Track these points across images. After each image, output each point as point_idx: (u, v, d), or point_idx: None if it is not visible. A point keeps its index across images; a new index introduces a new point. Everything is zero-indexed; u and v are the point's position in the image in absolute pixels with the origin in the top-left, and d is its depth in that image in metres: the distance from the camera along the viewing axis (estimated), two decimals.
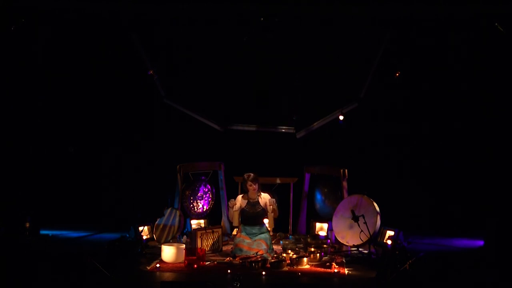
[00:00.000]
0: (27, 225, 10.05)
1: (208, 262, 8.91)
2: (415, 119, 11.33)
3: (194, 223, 10.69)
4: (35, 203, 10.98)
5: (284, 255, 9.09)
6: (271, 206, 9.45)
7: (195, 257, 8.74)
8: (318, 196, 10.95)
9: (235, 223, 9.42)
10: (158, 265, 8.65)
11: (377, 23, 10.82)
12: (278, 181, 10.92)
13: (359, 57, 11.14)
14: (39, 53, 11.09)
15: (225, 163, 10.99)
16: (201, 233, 9.58)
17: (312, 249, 9.28)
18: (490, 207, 10.66)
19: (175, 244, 9.20)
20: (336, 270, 8.50)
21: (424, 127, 11.33)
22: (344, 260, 9.18)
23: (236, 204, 9.47)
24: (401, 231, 9.64)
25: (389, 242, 9.55)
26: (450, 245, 10.31)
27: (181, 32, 11.18)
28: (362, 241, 9.56)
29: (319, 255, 8.98)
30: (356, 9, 10.47)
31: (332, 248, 9.77)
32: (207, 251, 9.43)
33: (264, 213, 9.50)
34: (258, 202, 9.46)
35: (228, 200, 9.83)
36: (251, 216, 9.43)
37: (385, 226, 9.90)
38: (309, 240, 10.12)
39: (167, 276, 8.28)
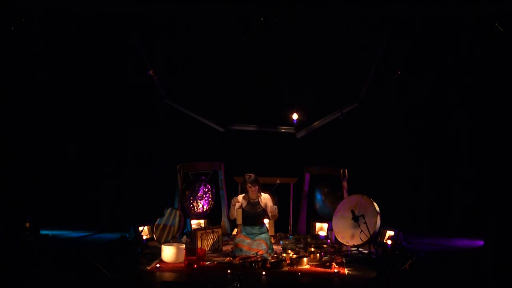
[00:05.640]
0: (27, 225, 10.03)
1: (208, 262, 8.91)
2: (415, 118, 11.33)
3: (194, 223, 10.69)
4: (35, 203, 10.97)
5: (284, 255, 9.09)
6: (271, 213, 9.45)
7: (195, 257, 8.74)
8: (318, 196, 10.96)
9: (239, 220, 9.41)
10: (158, 265, 8.65)
11: (377, 23, 10.83)
12: (278, 181, 10.92)
13: (359, 57, 11.15)
14: (39, 53, 11.09)
15: (225, 163, 10.99)
16: (201, 233, 9.58)
17: (312, 249, 9.28)
18: (490, 207, 10.65)
19: (175, 244, 9.20)
20: (336, 270, 8.50)
21: (424, 126, 11.32)
22: (344, 260, 9.18)
23: (238, 202, 9.46)
24: (401, 231, 9.64)
25: (389, 242, 9.55)
26: (450, 245, 10.31)
27: (181, 32, 11.19)
28: (362, 241, 9.56)
29: (319, 255, 8.98)
30: (357, 8, 10.48)
31: (332, 248, 9.77)
32: (207, 251, 9.43)
33: (264, 213, 9.50)
34: (258, 202, 9.46)
35: (228, 199, 9.83)
36: (251, 216, 9.43)
37: (385, 226, 9.90)
38: (309, 240, 10.12)
39: (167, 276, 8.28)
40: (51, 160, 11.47)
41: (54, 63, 11.29)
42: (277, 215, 9.52)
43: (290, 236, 10.51)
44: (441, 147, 11.33)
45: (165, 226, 10.17)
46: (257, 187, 9.39)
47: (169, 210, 10.26)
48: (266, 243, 9.21)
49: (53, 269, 8.14)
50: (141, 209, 10.86)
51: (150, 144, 11.59)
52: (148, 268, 8.60)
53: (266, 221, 9.73)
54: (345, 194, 10.32)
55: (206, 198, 10.93)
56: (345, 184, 10.39)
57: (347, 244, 9.79)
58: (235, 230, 10.37)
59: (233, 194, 10.18)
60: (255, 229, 9.41)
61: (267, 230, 9.55)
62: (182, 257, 8.85)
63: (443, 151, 11.33)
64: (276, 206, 9.42)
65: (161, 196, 10.58)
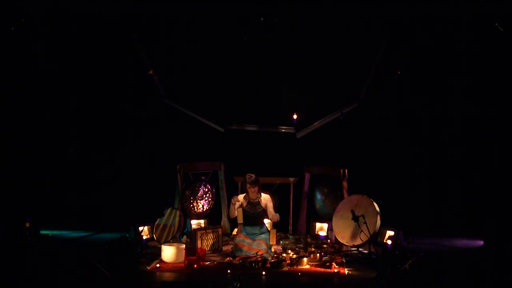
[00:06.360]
0: (27, 225, 10.04)
1: (208, 262, 8.91)
2: (415, 118, 11.33)
3: (194, 223, 10.69)
4: (35, 203, 10.98)
5: (284, 255, 9.09)
6: (272, 219, 9.44)
7: (195, 257, 8.74)
8: (318, 196, 10.96)
9: (239, 220, 9.39)
10: (158, 265, 8.65)
11: (377, 23, 10.84)
12: (278, 181, 10.92)
13: (359, 57, 11.15)
14: (39, 53, 11.10)
15: (225, 163, 10.99)
16: (201, 233, 9.58)
17: (312, 249, 9.28)
18: (490, 207, 10.65)
19: (175, 244, 9.20)
20: (336, 270, 8.50)
21: (424, 126, 11.33)
22: (344, 260, 9.18)
23: (238, 201, 9.45)
24: (401, 231, 9.64)
25: (389, 242, 9.54)
26: (450, 245, 10.31)
27: (181, 32, 11.19)
28: (362, 241, 9.56)
29: (319, 255, 8.98)
30: (357, 8, 10.48)
31: (332, 248, 9.77)
32: (207, 251, 9.43)
33: (264, 213, 9.49)
34: (258, 203, 9.45)
35: (228, 199, 9.82)
36: (252, 216, 9.42)
37: (385, 226, 9.90)
38: (309, 240, 10.12)
39: (167, 276, 8.28)
40: (51, 160, 11.46)
41: (54, 63, 11.29)
42: (276, 219, 9.52)
43: (290, 236, 10.51)
44: (441, 147, 11.33)
45: (165, 226, 10.17)
46: (256, 187, 9.38)
47: (169, 210, 10.26)
48: (266, 243, 9.21)
49: (53, 269, 8.14)
50: (141, 209, 10.86)
51: (150, 144, 11.59)
52: (148, 268, 8.60)
53: (266, 221, 9.73)
54: (345, 194, 10.32)
55: (206, 198, 10.93)
56: (345, 184, 10.39)
57: (347, 244, 9.79)
58: (235, 230, 10.37)
59: (233, 194, 10.17)
60: (255, 229, 9.41)
61: (267, 230, 9.55)
62: (182, 257, 8.85)
63: (443, 151, 11.32)
64: (278, 215, 9.39)
65: (161, 196, 10.58)
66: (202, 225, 10.52)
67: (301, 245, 9.87)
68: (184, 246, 9.05)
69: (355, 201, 9.90)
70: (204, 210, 10.91)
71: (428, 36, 10.89)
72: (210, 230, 9.74)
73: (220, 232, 9.83)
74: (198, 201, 10.85)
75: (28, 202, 10.84)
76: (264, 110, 11.51)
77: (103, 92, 11.48)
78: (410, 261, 7.91)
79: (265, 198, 9.49)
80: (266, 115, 11.56)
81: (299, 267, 8.68)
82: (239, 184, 10.72)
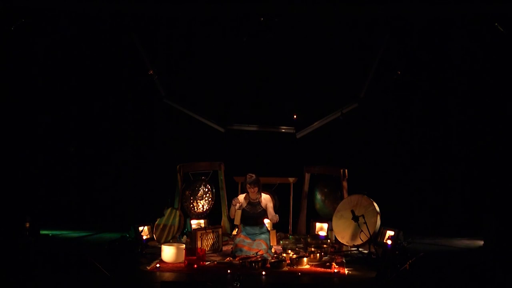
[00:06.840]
0: (27, 225, 10.04)
1: (208, 262, 8.91)
2: (415, 119, 11.34)
3: (194, 223, 10.69)
4: (35, 203, 10.98)
5: (284, 255, 9.09)
6: (271, 220, 9.43)
7: (195, 257, 8.74)
8: (318, 196, 10.95)
9: (237, 221, 9.40)
10: (158, 265, 8.65)
11: (377, 23, 10.85)
12: (278, 181, 10.92)
13: (359, 57, 11.16)
14: (40, 53, 11.11)
15: (225, 163, 10.98)
16: (201, 233, 9.58)
17: (312, 249, 9.28)
18: (490, 207, 10.65)
19: (175, 244, 9.20)
20: (336, 270, 8.50)
21: (424, 127, 11.33)
22: (344, 260, 9.18)
23: (238, 202, 9.44)
24: (401, 231, 9.64)
25: (389, 242, 9.54)
26: (450, 245, 10.31)
27: (181, 32, 11.20)
28: (362, 241, 9.56)
29: (319, 255, 8.98)
30: (357, 9, 10.49)
31: (332, 248, 9.77)
32: (207, 251, 9.43)
33: (264, 213, 9.49)
34: (259, 203, 9.45)
35: (229, 199, 9.81)
36: (252, 217, 9.42)
37: (385, 226, 9.90)
38: (309, 240, 10.12)
39: (167, 276, 8.28)
40: (51, 160, 11.46)
41: (54, 63, 11.30)
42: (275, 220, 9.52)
43: (290, 236, 10.50)
44: (441, 146, 11.33)
45: (165, 226, 10.17)
46: (257, 188, 9.37)
47: (169, 210, 10.26)
48: (266, 243, 9.21)
49: (53, 269, 8.14)
50: (141, 209, 10.87)
51: (150, 144, 11.59)
52: (148, 268, 8.60)
53: (266, 221, 9.73)
54: (345, 194, 10.32)
55: (206, 198, 10.92)
56: (345, 184, 10.39)
57: (347, 244, 9.79)
58: (235, 230, 10.37)
59: (233, 194, 10.19)
60: (256, 229, 9.40)
61: (267, 230, 9.54)
62: (182, 257, 8.85)
63: (443, 150, 11.32)
64: (277, 216, 9.37)
65: (161, 196, 10.58)
66: (202, 225, 10.51)
67: (301, 245, 9.87)
68: (184, 246, 9.05)
69: (355, 201, 9.90)
70: (204, 210, 10.91)
71: (428, 36, 10.89)
72: (210, 230, 9.73)
73: (220, 232, 9.83)
74: (198, 201, 10.85)
75: (28, 202, 10.84)
76: (264, 110, 11.51)
77: (103, 92, 11.48)
78: (410, 261, 7.91)
79: (265, 198, 9.49)
80: (266, 115, 11.56)
81: (299, 267, 8.68)
82: (239, 184, 10.72)
